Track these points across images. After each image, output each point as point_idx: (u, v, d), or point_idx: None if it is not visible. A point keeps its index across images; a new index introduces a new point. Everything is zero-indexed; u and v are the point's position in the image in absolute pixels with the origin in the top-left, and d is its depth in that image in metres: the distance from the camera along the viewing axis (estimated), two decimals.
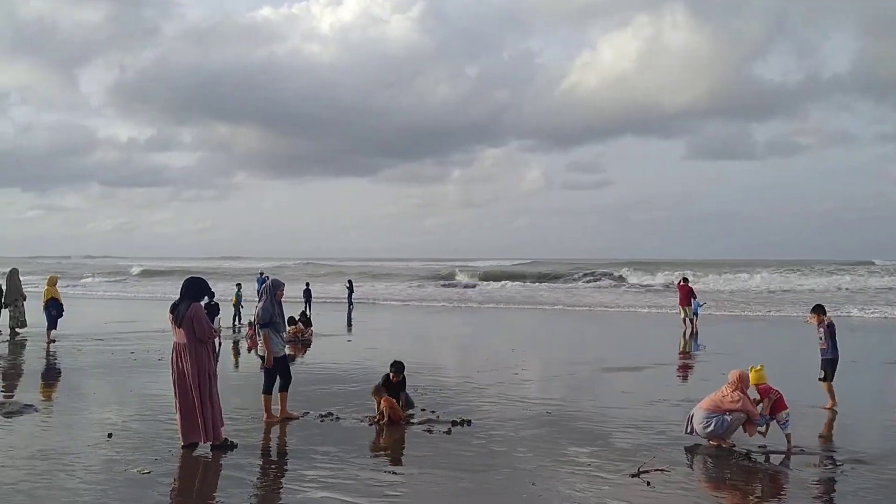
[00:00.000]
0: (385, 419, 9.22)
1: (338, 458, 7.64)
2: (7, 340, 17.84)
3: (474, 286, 52.44)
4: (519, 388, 12.09)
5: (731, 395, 8.22)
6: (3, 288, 19.04)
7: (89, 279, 63.66)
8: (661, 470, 7.22)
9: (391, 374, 9.69)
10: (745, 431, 8.28)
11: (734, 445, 8.22)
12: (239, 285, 24.82)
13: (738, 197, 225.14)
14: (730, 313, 29.38)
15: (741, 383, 8.31)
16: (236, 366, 15.18)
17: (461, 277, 60.20)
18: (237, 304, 23.31)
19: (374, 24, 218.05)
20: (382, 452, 8.15)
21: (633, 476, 7.03)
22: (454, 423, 9.20)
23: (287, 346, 9.99)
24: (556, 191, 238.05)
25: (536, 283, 53.46)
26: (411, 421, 9.38)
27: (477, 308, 33.64)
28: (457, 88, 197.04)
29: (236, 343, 18.57)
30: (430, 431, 8.89)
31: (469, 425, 9.17)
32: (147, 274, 72.34)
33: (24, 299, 19.35)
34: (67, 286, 20.08)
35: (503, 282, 53.66)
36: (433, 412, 9.86)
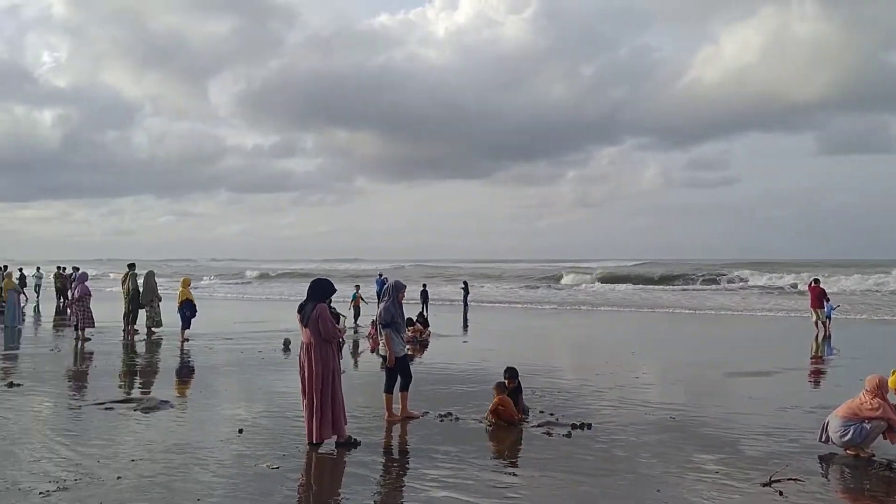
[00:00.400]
0: (493, 415, 9.24)
1: (458, 458, 7.68)
2: (144, 339, 18.85)
3: (589, 287, 51.72)
4: (640, 391, 11.83)
5: (869, 402, 7.77)
6: (141, 289, 20.14)
7: (209, 281, 66.53)
8: (794, 479, 6.90)
9: (506, 381, 9.69)
10: (885, 439, 7.82)
11: (873, 455, 7.77)
12: (357, 287, 25.33)
13: (872, 192, 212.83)
14: (865, 316, 27.82)
15: (880, 389, 7.85)
16: (355, 365, 15.51)
17: (576, 279, 59.41)
18: (357, 306, 23.79)
19: (488, 26, 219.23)
20: (502, 454, 8.15)
21: (764, 485, 6.75)
22: (574, 427, 9.08)
23: (407, 346, 10.12)
24: (675, 189, 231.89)
25: (655, 285, 52.17)
26: (530, 423, 9.32)
27: (593, 310, 33.13)
28: (572, 87, 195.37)
29: (356, 343, 18.97)
30: (549, 434, 8.81)
31: (589, 429, 9.03)
32: (265, 277, 74.94)
33: (160, 300, 20.41)
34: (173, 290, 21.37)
35: (620, 283, 52.67)
36: (552, 415, 9.77)
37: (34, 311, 29.14)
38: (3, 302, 22.91)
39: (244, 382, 12.79)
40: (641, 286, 51.48)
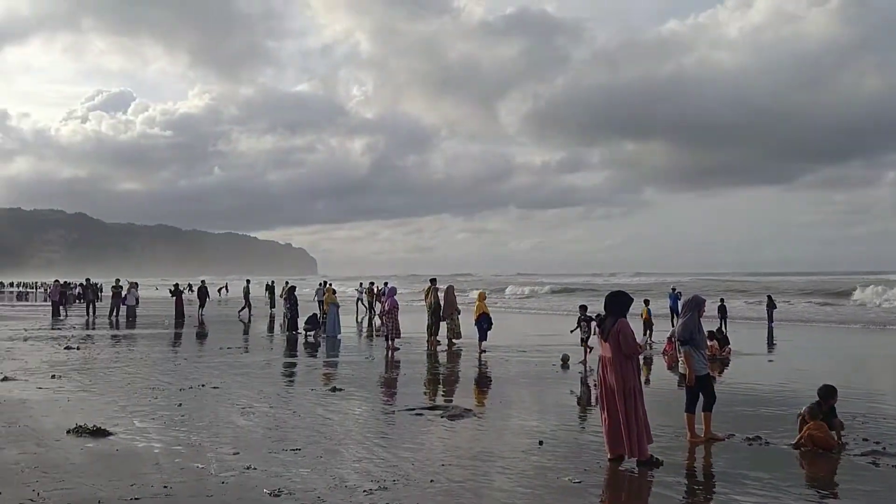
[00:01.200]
0: (808, 440, 8.52)
1: (770, 485, 7.17)
2: (445, 350, 19.91)
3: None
4: None
5: None
6: (442, 303, 21.34)
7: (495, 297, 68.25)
8: None
9: (820, 401, 8.91)
10: None
11: None
12: (647, 301, 24.71)
13: None
14: None
15: None
16: (648, 382, 15.12)
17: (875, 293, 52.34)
18: (647, 321, 23.23)
19: (787, 22, 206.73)
20: (820, 483, 7.49)
21: None
22: None
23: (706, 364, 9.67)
24: None
25: None
26: (851, 451, 8.48)
27: None
28: (889, 80, 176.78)
29: (648, 359, 18.48)
30: (875, 464, 7.95)
31: None
32: (554, 290, 75.50)
33: (459, 313, 21.50)
34: (466, 302, 22.28)
35: None
36: (877, 443, 8.80)
37: (355, 321, 32.00)
38: (325, 314, 25.44)
39: (539, 395, 13.02)
40: None
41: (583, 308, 19.12)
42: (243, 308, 36.06)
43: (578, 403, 12.11)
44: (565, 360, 16.97)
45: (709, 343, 16.89)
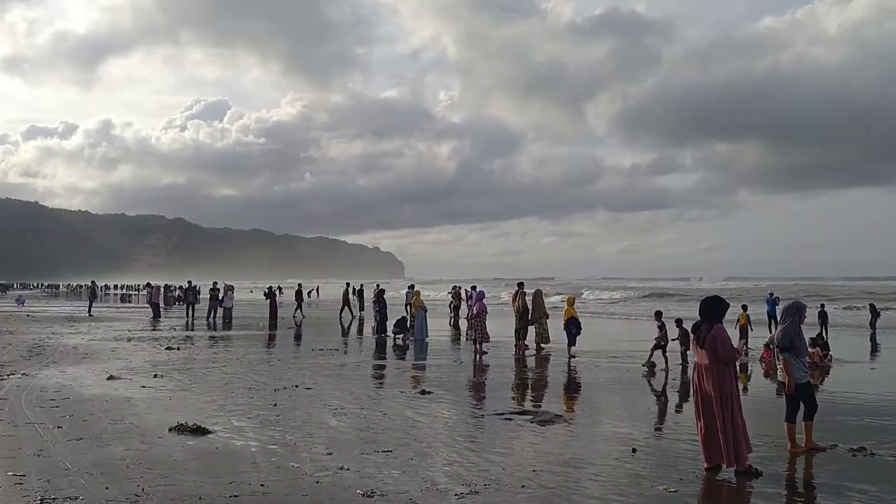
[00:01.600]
0: None
1: (876, 497, 6.85)
2: (534, 354, 19.78)
3: None
4: None
5: None
6: (530, 307, 21.22)
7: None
8: None
9: None
10: None
11: None
12: (745, 307, 23.98)
13: None
14: None
15: None
16: (744, 389, 14.66)
17: None
18: (744, 327, 22.54)
19: (890, 17, 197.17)
20: None
21: None
22: None
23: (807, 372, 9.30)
24: None
25: None
26: None
27: None
28: None
29: (743, 366, 17.91)
30: None
31: None
32: (641, 295, 73.94)
33: (548, 318, 21.32)
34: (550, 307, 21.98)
35: None
36: None
37: (449, 325, 32.02)
38: (413, 317, 25.63)
39: (630, 401, 12.81)
40: None
41: (658, 314, 18.97)
42: (350, 310, 37.25)
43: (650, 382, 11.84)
44: (651, 366, 16.69)
45: (811, 350, 16.33)
